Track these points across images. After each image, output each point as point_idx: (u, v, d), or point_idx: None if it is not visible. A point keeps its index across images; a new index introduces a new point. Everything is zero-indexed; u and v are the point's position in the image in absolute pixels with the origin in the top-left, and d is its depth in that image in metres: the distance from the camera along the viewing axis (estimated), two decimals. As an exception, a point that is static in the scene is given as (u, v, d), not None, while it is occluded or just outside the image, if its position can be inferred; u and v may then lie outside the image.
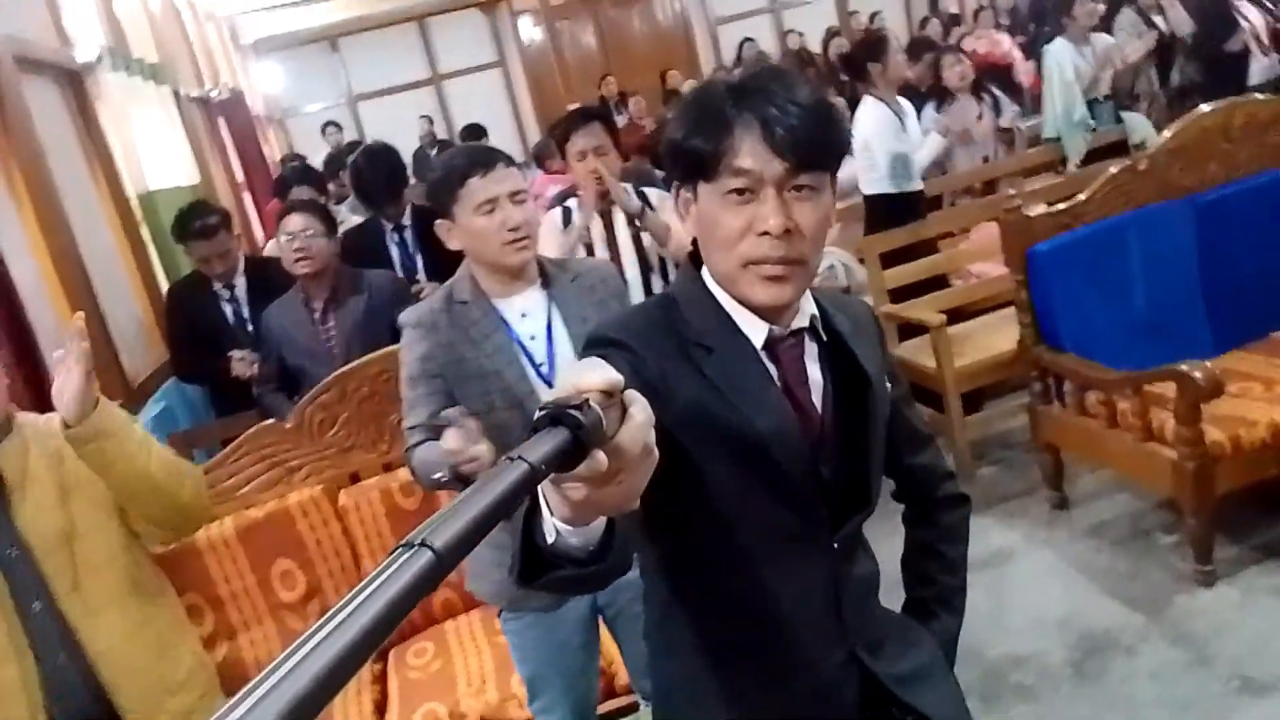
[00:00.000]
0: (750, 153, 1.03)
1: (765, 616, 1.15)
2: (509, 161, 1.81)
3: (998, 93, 5.04)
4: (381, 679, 2.45)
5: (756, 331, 1.11)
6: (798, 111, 1.02)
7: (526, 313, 1.83)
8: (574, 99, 9.83)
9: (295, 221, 2.80)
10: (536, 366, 1.79)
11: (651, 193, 2.79)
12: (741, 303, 1.10)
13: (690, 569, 1.16)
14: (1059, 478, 3.21)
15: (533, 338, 1.81)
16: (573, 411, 0.62)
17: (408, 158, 9.52)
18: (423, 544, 0.49)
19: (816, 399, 1.14)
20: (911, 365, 3.69)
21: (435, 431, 1.80)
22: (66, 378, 1.62)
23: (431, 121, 10.29)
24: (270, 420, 2.57)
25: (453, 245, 1.83)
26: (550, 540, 0.80)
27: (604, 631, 2.04)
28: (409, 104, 11.42)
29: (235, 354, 3.23)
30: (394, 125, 10.74)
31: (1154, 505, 3.08)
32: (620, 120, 9.04)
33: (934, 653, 1.30)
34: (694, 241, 1.15)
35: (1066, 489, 3.23)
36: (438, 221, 1.83)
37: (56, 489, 1.68)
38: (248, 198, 7.10)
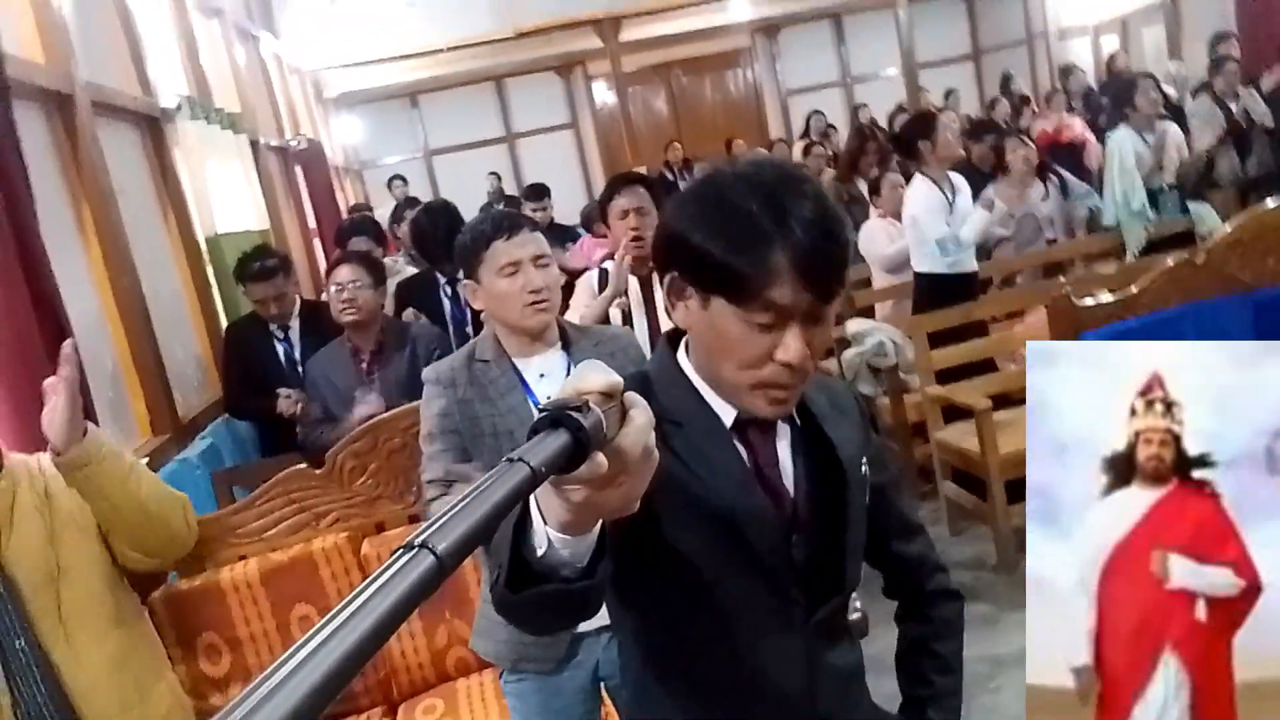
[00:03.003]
0: (787, 285, 1.00)
1: (737, 696, 1.14)
2: (533, 226, 1.86)
3: (1064, 174, 5.00)
4: (390, 733, 2.44)
5: (727, 413, 1.12)
6: (831, 247, 1.02)
7: (545, 374, 1.86)
8: (641, 163, 9.99)
9: (344, 273, 2.92)
10: None
11: None
12: (738, 408, 1.10)
13: (663, 643, 1.16)
14: (1102, 574, 3.10)
15: (549, 399, 1.83)
16: (573, 413, 0.63)
17: (476, 212, 9.75)
18: (424, 546, 0.48)
19: (788, 481, 1.14)
20: (956, 449, 3.62)
21: (450, 488, 1.82)
22: (53, 405, 1.64)
23: (500, 178, 10.51)
24: (301, 465, 2.61)
25: (477, 305, 1.88)
26: (540, 553, 0.79)
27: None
28: (482, 161, 11.71)
29: (282, 392, 3.32)
30: (466, 180, 11.06)
31: (1202, 611, 2.95)
32: (684, 186, 9.18)
33: None
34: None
35: (1110, 587, 3.11)
36: (464, 282, 1.88)
37: (45, 528, 1.71)
38: (319, 245, 7.31)
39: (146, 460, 3.11)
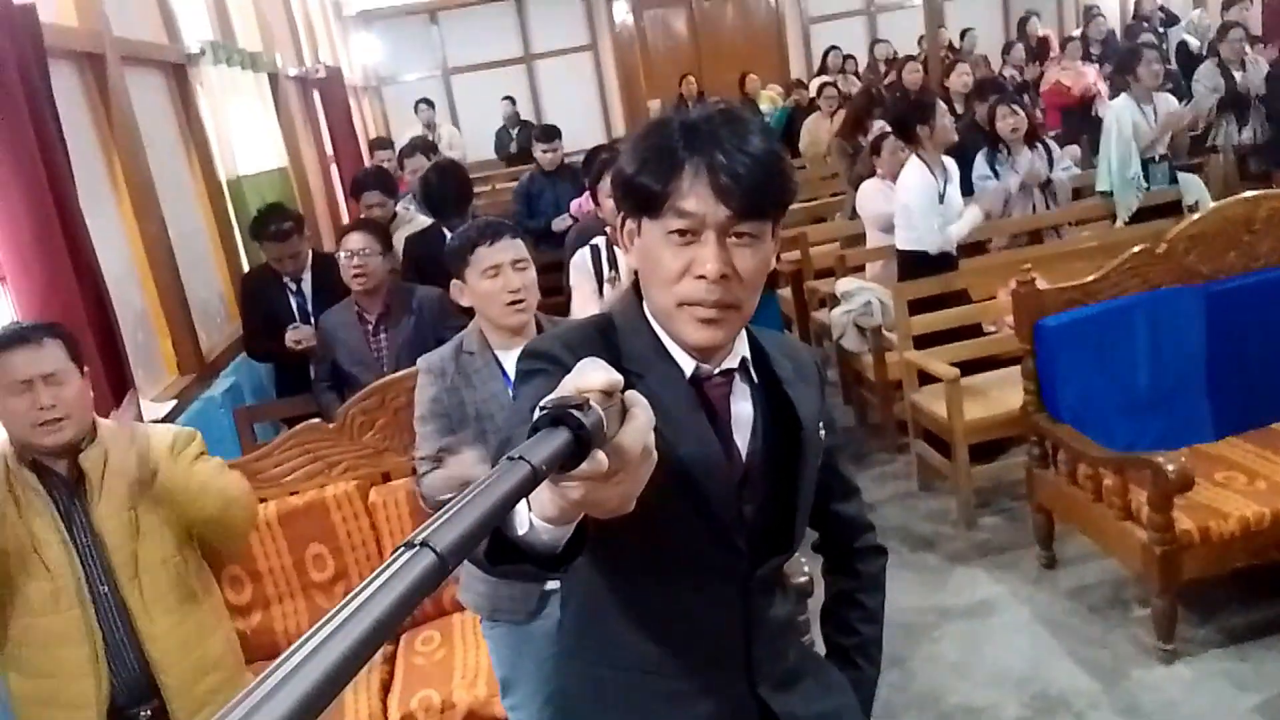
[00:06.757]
0: (695, 196, 1.05)
1: (672, 639, 1.19)
2: (514, 233, 2.08)
3: (1051, 144, 5.10)
4: (392, 660, 2.75)
5: (687, 365, 1.14)
6: (746, 160, 1.04)
7: None
8: (656, 92, 10.03)
9: (355, 241, 3.10)
10: None
11: None
12: (674, 339, 1.14)
13: (605, 580, 1.19)
14: (1050, 538, 3.36)
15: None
16: (574, 412, 0.63)
17: (493, 132, 9.95)
18: (424, 545, 0.49)
19: (742, 438, 1.17)
20: (925, 412, 3.85)
21: (440, 462, 2.09)
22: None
23: (515, 103, 10.58)
24: (316, 420, 2.87)
25: (464, 303, 2.12)
26: (520, 531, 0.81)
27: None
28: (500, 81, 11.73)
29: (290, 327, 3.55)
30: (483, 100, 11.13)
31: (1136, 576, 3.21)
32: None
33: (847, 701, 1.35)
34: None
35: (1057, 549, 3.38)
36: (452, 282, 2.12)
37: (128, 494, 1.95)
38: (336, 170, 7.49)
39: (175, 400, 3.39)
